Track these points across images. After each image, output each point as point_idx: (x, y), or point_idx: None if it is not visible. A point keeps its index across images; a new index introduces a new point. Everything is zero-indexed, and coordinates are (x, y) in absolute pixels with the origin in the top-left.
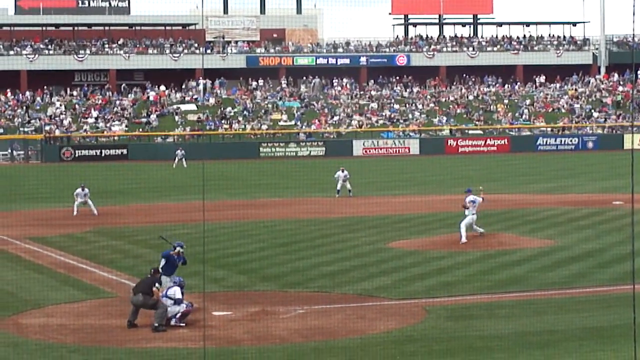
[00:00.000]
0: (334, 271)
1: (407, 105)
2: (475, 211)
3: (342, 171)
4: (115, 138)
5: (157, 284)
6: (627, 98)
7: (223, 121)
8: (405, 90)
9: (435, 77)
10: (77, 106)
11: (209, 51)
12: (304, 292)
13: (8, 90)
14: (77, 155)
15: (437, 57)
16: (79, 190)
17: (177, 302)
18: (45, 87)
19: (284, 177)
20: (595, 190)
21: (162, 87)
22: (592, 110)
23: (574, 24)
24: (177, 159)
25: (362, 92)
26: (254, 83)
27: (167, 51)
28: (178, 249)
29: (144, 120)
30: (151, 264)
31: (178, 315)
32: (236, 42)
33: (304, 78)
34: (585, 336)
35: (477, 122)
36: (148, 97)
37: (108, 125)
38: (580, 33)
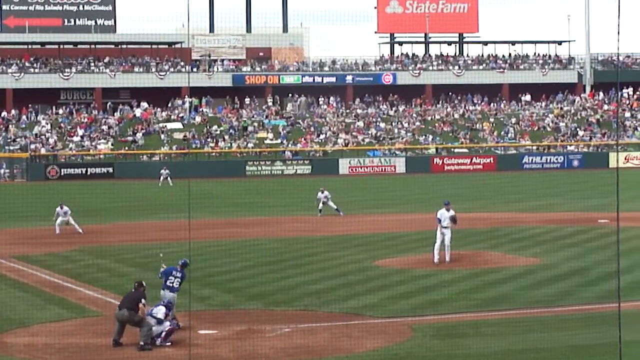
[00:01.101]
0: (320, 290)
1: (393, 123)
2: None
3: (322, 192)
4: (101, 156)
5: (142, 300)
6: (613, 115)
7: (209, 139)
8: (391, 109)
9: (421, 95)
10: (62, 124)
11: (195, 69)
12: (290, 311)
13: None
14: (62, 173)
15: (423, 76)
16: (57, 209)
17: (159, 321)
18: (30, 105)
19: (270, 196)
20: (581, 208)
21: (147, 105)
22: (578, 129)
23: (559, 42)
24: (162, 178)
25: (348, 111)
26: (238, 101)
27: (153, 69)
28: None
29: (129, 138)
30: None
31: (162, 335)
32: (222, 60)
33: (290, 96)
34: (572, 354)
35: (463, 141)
36: (134, 115)
37: (94, 143)
38: (566, 52)
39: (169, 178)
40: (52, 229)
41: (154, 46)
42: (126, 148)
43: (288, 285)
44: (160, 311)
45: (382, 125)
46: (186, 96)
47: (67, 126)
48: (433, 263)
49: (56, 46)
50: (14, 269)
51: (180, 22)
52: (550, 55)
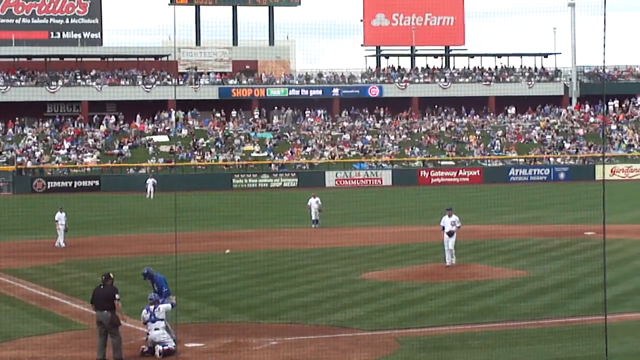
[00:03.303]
0: (307, 302)
1: (380, 136)
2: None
3: (314, 197)
4: (88, 169)
5: (116, 295)
6: (599, 128)
7: (195, 152)
8: (378, 122)
9: (408, 108)
10: (49, 137)
11: (181, 82)
12: (277, 324)
13: None
14: (49, 186)
15: (409, 88)
16: (58, 214)
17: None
18: (17, 118)
19: (256, 208)
20: (567, 221)
21: (136, 119)
22: (564, 141)
23: (546, 55)
24: (149, 187)
25: (334, 123)
26: (225, 114)
27: (140, 82)
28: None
29: (116, 151)
30: (123, 295)
31: (165, 348)
32: (208, 73)
33: (277, 109)
34: None
35: (449, 153)
36: (121, 129)
37: (80, 156)
38: (552, 64)
39: (153, 187)
40: (38, 242)
41: (140, 59)
42: (113, 161)
43: (275, 298)
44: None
45: (369, 137)
46: (172, 109)
47: (53, 139)
48: (445, 267)
49: (43, 59)
50: (1, 282)
51: (167, 35)
52: (536, 68)
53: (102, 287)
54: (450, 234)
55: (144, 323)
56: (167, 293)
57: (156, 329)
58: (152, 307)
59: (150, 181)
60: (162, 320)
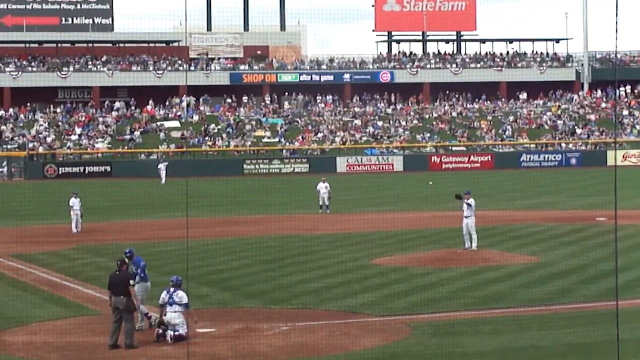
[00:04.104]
0: (318, 288)
1: (391, 121)
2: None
3: (323, 182)
4: (99, 155)
5: (131, 281)
6: (611, 113)
7: (207, 138)
8: (389, 107)
9: (419, 93)
10: (60, 123)
11: (192, 68)
12: (288, 309)
13: None
14: (60, 172)
15: (421, 74)
16: (72, 199)
17: (186, 306)
18: (28, 104)
19: (267, 194)
20: (579, 206)
21: (147, 104)
22: (575, 127)
23: (557, 40)
24: (162, 173)
25: (345, 109)
26: (236, 100)
27: (151, 68)
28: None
29: (127, 137)
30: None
31: (176, 333)
32: (220, 58)
33: (288, 95)
34: (569, 352)
35: (460, 139)
36: (132, 114)
37: (91, 142)
38: (564, 50)
39: (165, 172)
40: (50, 227)
41: (151, 45)
42: (124, 147)
43: (286, 284)
44: (184, 296)
45: (380, 123)
46: (184, 95)
47: (64, 125)
48: (468, 251)
49: (54, 45)
50: (12, 267)
51: (178, 21)
52: (548, 53)
53: (117, 272)
54: (469, 217)
55: (161, 305)
56: (142, 279)
57: (174, 312)
58: (172, 289)
59: (162, 165)
60: (179, 304)
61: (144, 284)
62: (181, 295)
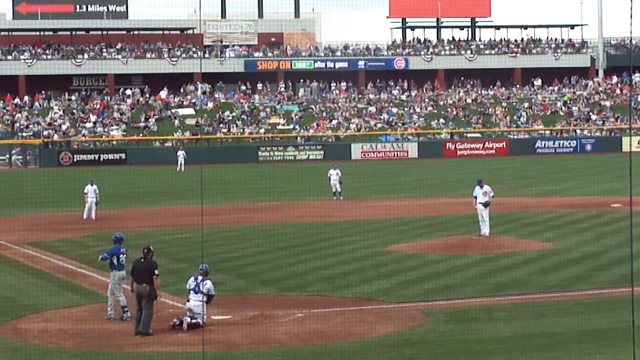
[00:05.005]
0: (333, 275)
1: (406, 108)
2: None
3: (335, 168)
4: (114, 142)
5: (156, 271)
6: (626, 99)
7: (221, 125)
8: (403, 94)
9: (434, 80)
10: (75, 111)
11: (207, 55)
12: (303, 296)
13: (8, 94)
14: (75, 160)
15: (435, 61)
16: (88, 186)
17: (210, 298)
18: (43, 91)
19: (282, 181)
20: (594, 192)
21: (162, 92)
22: (590, 113)
23: (572, 26)
24: (180, 160)
25: (360, 96)
26: (250, 87)
27: (165, 55)
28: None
29: (142, 124)
30: None
31: (192, 322)
32: (234, 46)
33: (302, 82)
34: (585, 339)
35: (475, 126)
36: (146, 102)
37: (106, 129)
38: (578, 36)
39: (184, 160)
40: (65, 214)
41: (165, 32)
42: (139, 134)
43: (301, 271)
44: (212, 287)
45: (395, 110)
46: (198, 82)
47: (79, 112)
48: (478, 237)
49: (68, 32)
50: (28, 255)
51: (192, 8)
52: (562, 39)
53: (142, 260)
54: (485, 204)
55: (187, 291)
56: (116, 267)
57: (198, 301)
58: (200, 277)
59: (181, 153)
60: (202, 294)
61: (117, 272)
62: (209, 287)
